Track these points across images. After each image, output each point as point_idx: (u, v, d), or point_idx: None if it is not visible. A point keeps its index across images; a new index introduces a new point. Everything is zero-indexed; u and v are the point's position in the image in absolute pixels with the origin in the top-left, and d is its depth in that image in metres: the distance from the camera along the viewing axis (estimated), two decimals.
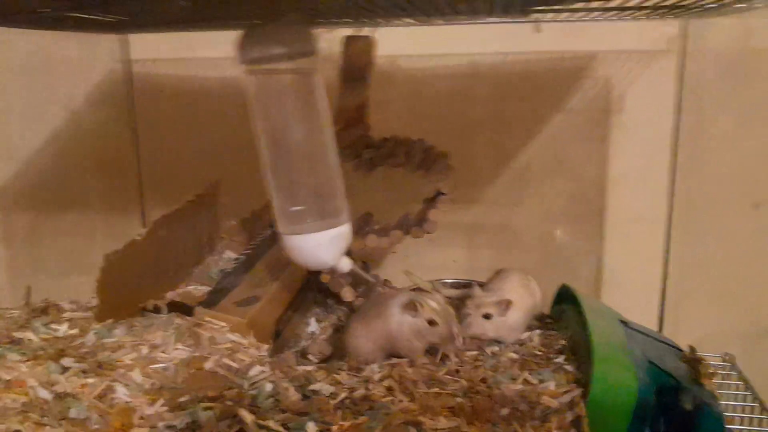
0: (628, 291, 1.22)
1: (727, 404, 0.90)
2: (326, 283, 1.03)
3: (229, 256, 1.19)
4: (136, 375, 0.69)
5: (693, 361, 0.83)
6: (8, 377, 0.67)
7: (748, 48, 1.10)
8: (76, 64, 1.30)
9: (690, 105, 1.13)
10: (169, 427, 0.63)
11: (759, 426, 0.84)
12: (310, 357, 0.96)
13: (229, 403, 0.66)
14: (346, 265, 0.75)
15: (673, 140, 1.15)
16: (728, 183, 1.15)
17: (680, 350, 0.88)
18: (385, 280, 1.17)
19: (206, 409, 0.63)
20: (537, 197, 1.26)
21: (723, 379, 0.96)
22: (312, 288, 1.11)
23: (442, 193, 0.96)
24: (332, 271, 1.02)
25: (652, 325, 1.18)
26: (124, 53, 1.30)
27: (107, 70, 1.31)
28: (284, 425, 0.63)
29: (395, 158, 0.96)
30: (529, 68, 1.20)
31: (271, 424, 0.62)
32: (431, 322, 0.78)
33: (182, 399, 0.66)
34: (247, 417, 0.62)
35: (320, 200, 0.69)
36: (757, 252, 1.15)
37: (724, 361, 1.00)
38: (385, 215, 1.14)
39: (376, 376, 0.78)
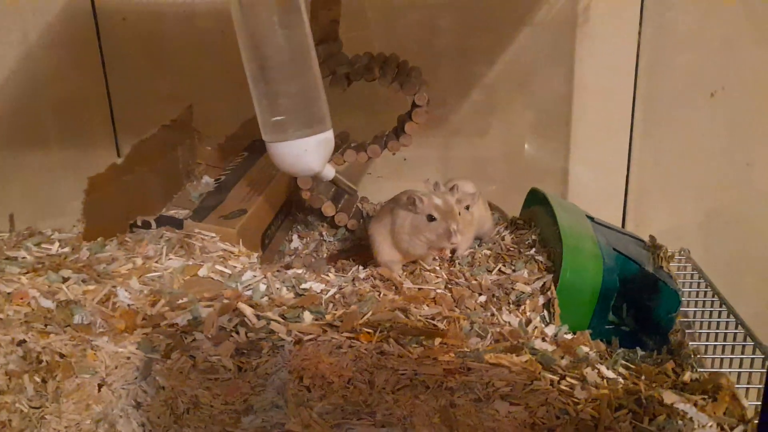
0: (593, 198, 1.28)
1: (683, 292, 0.98)
2: (307, 199, 1.07)
3: (207, 181, 1.21)
4: (134, 283, 0.73)
5: (653, 248, 0.90)
6: (9, 290, 0.69)
7: None
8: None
9: (653, 9, 1.16)
10: (171, 325, 0.67)
11: (711, 307, 0.92)
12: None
13: (227, 300, 0.70)
14: (330, 172, 0.78)
15: (636, 45, 1.19)
16: (687, 77, 1.19)
17: (642, 241, 0.95)
18: (363, 197, 1.21)
19: (206, 306, 0.67)
20: (504, 115, 1.29)
21: (679, 270, 1.04)
22: (293, 206, 1.15)
23: (417, 106, 0.99)
24: (313, 187, 1.06)
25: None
26: None
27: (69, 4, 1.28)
28: (281, 316, 0.68)
29: (370, 73, 0.98)
30: None
31: (270, 314, 0.66)
32: (429, 218, 0.78)
33: (181, 301, 0.70)
34: (246, 309, 0.67)
35: (304, 107, 0.71)
36: (712, 144, 1.21)
37: (680, 255, 1.07)
38: (361, 134, 1.17)
39: (362, 275, 0.83)
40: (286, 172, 0.74)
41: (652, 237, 0.92)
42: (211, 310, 0.67)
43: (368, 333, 0.64)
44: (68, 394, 0.71)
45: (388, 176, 1.33)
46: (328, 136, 0.72)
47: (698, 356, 0.78)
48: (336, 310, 0.71)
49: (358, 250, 1.00)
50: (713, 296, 0.94)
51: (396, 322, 0.67)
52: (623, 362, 0.74)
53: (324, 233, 1.11)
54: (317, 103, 0.71)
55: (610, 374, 0.68)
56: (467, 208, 0.86)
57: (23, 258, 0.78)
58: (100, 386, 0.70)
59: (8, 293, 0.70)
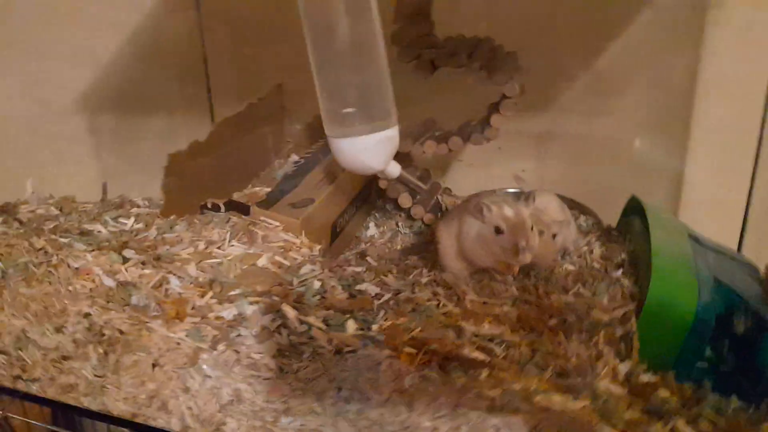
0: (709, 209, 1.14)
1: None
2: (383, 188, 1.03)
3: (294, 159, 1.21)
4: (191, 268, 0.73)
5: (766, 281, 0.78)
6: (77, 265, 0.72)
7: None
8: None
9: None
10: (218, 317, 0.67)
11: None
12: (368, 260, 0.97)
13: (275, 298, 0.68)
14: (394, 170, 0.73)
15: None
16: None
17: (756, 270, 0.82)
18: (446, 188, 1.15)
19: (252, 303, 0.66)
20: (616, 104, 1.16)
21: None
22: (372, 192, 1.12)
23: (507, 97, 0.91)
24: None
25: (731, 245, 1.11)
26: None
27: None
28: (325, 322, 0.65)
29: (457, 58, 0.91)
30: None
31: (311, 320, 0.64)
32: (497, 230, 0.71)
33: (232, 293, 0.69)
34: (290, 312, 0.64)
35: (367, 102, 0.66)
36: None
37: None
38: (449, 121, 1.10)
39: (424, 280, 0.79)
40: (346, 168, 0.70)
41: (766, 271, 0.79)
42: (256, 308, 0.65)
43: (410, 353, 0.60)
44: (126, 369, 0.73)
45: (478, 165, 1.25)
46: (390, 134, 0.67)
47: None
48: (386, 319, 0.67)
49: (432, 246, 0.95)
50: None
51: (444, 343, 0.62)
52: (709, 413, 0.65)
53: (400, 224, 1.07)
54: (380, 97, 0.66)
55: None
56: (554, 236, 0.78)
57: (98, 232, 0.80)
58: (153, 366, 0.71)
59: (76, 268, 0.72)
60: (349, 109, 0.67)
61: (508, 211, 0.70)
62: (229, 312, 0.66)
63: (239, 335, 0.66)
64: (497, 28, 1.03)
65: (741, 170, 1.10)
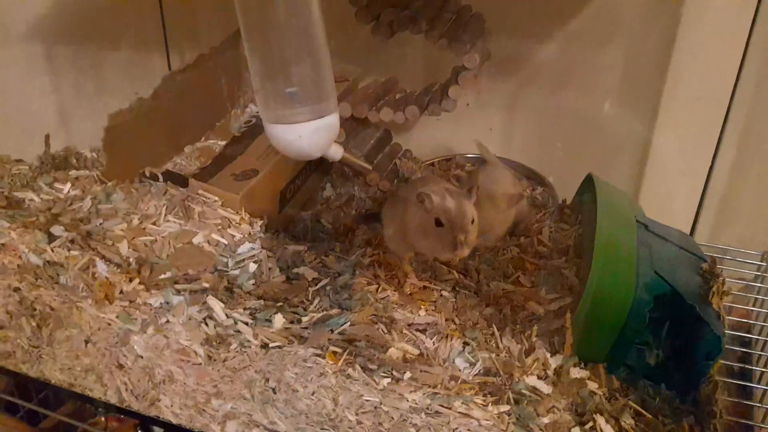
0: (674, 176, 1.12)
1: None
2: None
3: (252, 110, 1.16)
4: (123, 247, 0.71)
5: (709, 274, 0.77)
6: (3, 241, 0.70)
7: None
8: None
9: None
10: (146, 303, 0.65)
11: None
12: (323, 222, 0.95)
13: (205, 285, 0.67)
14: (336, 153, 0.70)
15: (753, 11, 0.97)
16: None
17: (703, 259, 0.81)
18: (406, 150, 1.12)
19: (179, 292, 0.65)
20: (586, 68, 1.12)
21: (756, 281, 0.90)
22: None
23: (466, 68, 0.87)
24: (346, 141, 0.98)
25: (691, 212, 1.10)
26: None
27: None
28: (253, 315, 0.64)
29: (416, 24, 0.86)
30: None
31: (237, 315, 0.63)
32: (437, 222, 0.68)
33: (162, 276, 0.68)
34: (216, 305, 0.63)
35: (304, 87, 0.62)
36: None
37: (762, 260, 0.93)
38: (413, 80, 1.06)
39: (366, 260, 0.77)
40: (282, 153, 0.67)
41: (712, 260, 0.78)
42: (182, 299, 0.64)
43: (334, 353, 0.59)
44: (60, 343, 0.73)
45: (445, 120, 1.21)
46: (329, 122, 0.64)
47: (727, 418, 0.67)
48: (319, 308, 0.67)
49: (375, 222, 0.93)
50: None
51: (371, 340, 0.61)
52: (634, 406, 0.66)
53: (356, 188, 1.05)
54: (318, 82, 0.62)
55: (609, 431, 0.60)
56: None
57: (30, 200, 0.78)
58: (86, 342, 0.71)
59: (2, 244, 0.70)
60: (289, 90, 0.63)
61: (450, 203, 0.68)
62: (156, 300, 0.64)
63: (167, 321, 0.65)
64: None
65: (706, 146, 1.07)
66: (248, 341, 0.62)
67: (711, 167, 1.08)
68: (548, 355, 0.67)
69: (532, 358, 0.66)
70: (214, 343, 0.63)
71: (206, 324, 0.63)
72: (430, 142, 1.20)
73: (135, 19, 1.30)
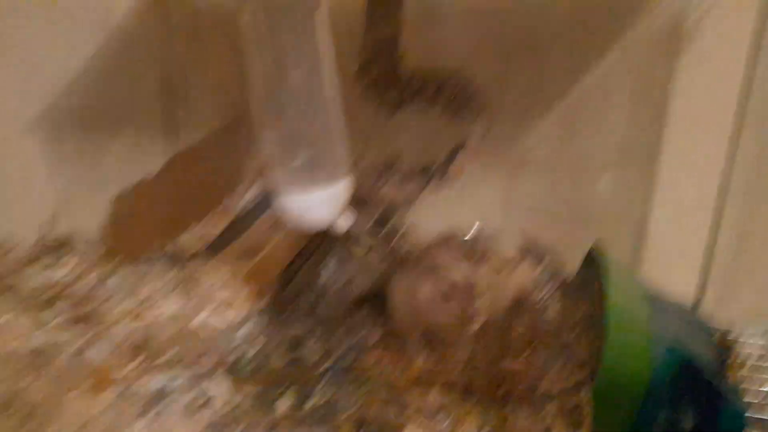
0: (673, 250, 1.12)
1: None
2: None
3: (255, 191, 1.16)
4: (121, 329, 0.68)
5: (722, 347, 0.75)
6: None
7: None
8: None
9: None
10: (142, 390, 0.62)
11: None
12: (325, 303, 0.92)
13: (205, 368, 0.64)
14: (344, 224, 0.69)
15: (746, 80, 0.99)
16: None
17: (713, 334, 0.79)
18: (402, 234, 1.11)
19: (177, 376, 0.62)
20: (581, 140, 1.14)
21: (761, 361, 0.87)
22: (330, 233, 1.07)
23: (467, 142, 0.88)
24: None
25: (692, 287, 1.08)
26: None
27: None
28: (258, 397, 0.61)
29: (422, 96, 0.87)
30: None
31: (239, 399, 0.60)
32: (445, 296, 0.67)
33: (158, 361, 0.65)
34: (215, 389, 0.60)
35: (314, 156, 0.62)
36: None
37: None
38: (416, 155, 1.06)
39: (371, 342, 0.75)
40: (292, 224, 0.66)
41: (722, 335, 0.76)
42: (182, 382, 0.61)
43: None
44: None
45: (445, 198, 1.22)
46: (337, 192, 0.63)
47: None
48: (323, 395, 0.64)
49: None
50: None
51: (383, 424, 0.58)
52: None
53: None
54: (328, 150, 0.62)
55: None
56: None
57: (24, 285, 0.76)
58: None
59: None
60: (294, 164, 0.63)
61: (456, 275, 0.67)
62: (154, 384, 0.61)
63: (164, 410, 0.61)
64: (470, 59, 0.99)
65: (704, 217, 1.08)
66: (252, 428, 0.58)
67: (714, 241, 1.08)
68: None
69: None
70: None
71: (207, 408, 0.60)
72: (432, 220, 1.20)
73: (134, 101, 1.32)
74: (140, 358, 0.65)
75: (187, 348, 0.67)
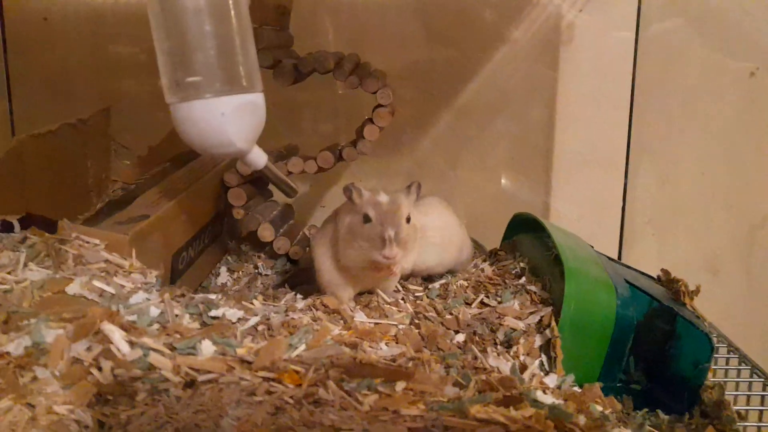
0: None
1: None
2: (240, 219, 0.86)
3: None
4: None
5: (671, 282, 0.72)
6: None
7: None
8: None
9: (651, 21, 1.03)
10: (2, 355, 0.45)
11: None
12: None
13: (93, 318, 0.47)
14: (260, 157, 0.57)
15: (631, 68, 1.05)
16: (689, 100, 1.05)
17: (651, 277, 0.77)
18: (312, 225, 1.01)
19: (56, 328, 0.45)
20: (478, 142, 1.13)
21: None
22: (224, 231, 0.94)
23: (381, 106, 0.81)
24: (248, 205, 0.85)
25: None
26: None
27: None
28: (169, 347, 0.46)
29: (323, 64, 0.80)
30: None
31: (149, 341, 0.44)
32: (366, 218, 0.59)
33: (25, 322, 0.47)
34: (115, 332, 0.44)
35: (224, 62, 0.52)
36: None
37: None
38: (313, 148, 0.98)
39: (300, 304, 0.62)
40: (198, 149, 0.53)
41: (665, 270, 0.74)
42: (61, 333, 0.44)
43: (297, 372, 0.43)
44: None
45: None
46: (254, 100, 0.53)
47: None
48: (255, 343, 0.50)
49: (302, 284, 0.79)
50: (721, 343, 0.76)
51: (339, 358, 0.46)
52: (650, 428, 0.55)
53: (260, 265, 0.90)
54: (241, 56, 0.52)
55: None
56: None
57: None
58: None
59: None
60: (201, 68, 0.52)
61: (382, 197, 0.59)
62: (18, 344, 0.44)
63: (35, 379, 0.44)
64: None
65: (610, 201, 1.10)
66: (165, 381, 0.43)
67: (622, 226, 1.09)
68: (542, 374, 0.56)
69: (528, 375, 0.54)
70: (110, 398, 0.43)
71: (99, 368, 0.43)
72: None
73: None
74: None
75: (62, 311, 0.50)
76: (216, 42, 0.51)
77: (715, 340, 0.69)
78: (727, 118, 1.04)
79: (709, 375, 0.63)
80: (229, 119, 0.51)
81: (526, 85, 1.11)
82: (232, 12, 0.53)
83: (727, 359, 0.74)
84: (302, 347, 0.48)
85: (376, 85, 0.80)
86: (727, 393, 0.64)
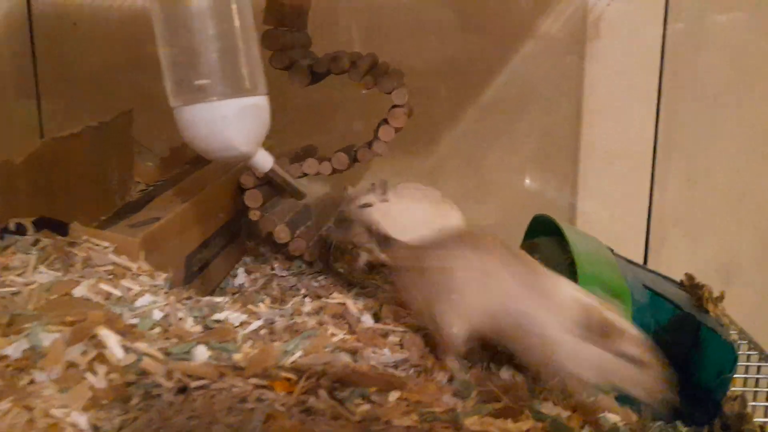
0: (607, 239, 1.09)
1: None
2: (255, 220, 0.86)
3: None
4: None
5: (693, 287, 0.69)
6: None
7: None
8: None
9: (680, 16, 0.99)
10: (2, 358, 0.45)
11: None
12: None
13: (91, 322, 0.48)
14: (266, 160, 0.57)
15: (659, 60, 1.01)
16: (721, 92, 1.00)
17: (675, 282, 0.74)
18: (329, 226, 1.00)
19: (53, 332, 0.45)
20: (505, 137, 1.11)
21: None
22: (242, 232, 0.94)
23: (397, 106, 0.80)
24: (265, 207, 0.85)
25: None
26: None
27: None
28: (165, 351, 0.46)
29: (338, 63, 0.79)
30: None
31: (142, 346, 0.44)
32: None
33: (26, 325, 0.48)
34: (109, 337, 0.45)
35: (227, 65, 0.51)
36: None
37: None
38: (331, 149, 0.98)
39: (306, 308, 0.62)
40: (202, 153, 0.53)
41: (689, 275, 0.71)
42: (58, 337, 0.45)
43: (288, 380, 0.42)
44: None
45: None
46: (258, 103, 0.52)
47: None
48: (254, 348, 0.49)
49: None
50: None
51: (333, 366, 0.45)
52: None
53: (276, 266, 0.90)
54: (244, 58, 0.52)
55: None
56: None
57: None
58: None
59: None
60: (205, 71, 0.52)
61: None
62: (17, 347, 0.45)
63: (32, 383, 0.44)
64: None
65: (636, 199, 1.06)
66: (158, 386, 0.43)
67: (648, 226, 1.05)
68: None
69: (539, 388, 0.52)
70: (104, 402, 0.43)
71: (93, 372, 0.44)
72: None
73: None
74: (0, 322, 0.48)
75: (66, 314, 0.50)
76: (219, 45, 0.51)
77: (743, 347, 0.65)
78: (760, 114, 0.99)
79: (732, 385, 0.60)
80: (231, 122, 0.50)
81: (552, 80, 1.09)
82: (235, 15, 0.53)
83: (759, 367, 0.71)
84: (299, 353, 0.47)
85: (392, 84, 0.79)
86: (761, 403, 0.61)
